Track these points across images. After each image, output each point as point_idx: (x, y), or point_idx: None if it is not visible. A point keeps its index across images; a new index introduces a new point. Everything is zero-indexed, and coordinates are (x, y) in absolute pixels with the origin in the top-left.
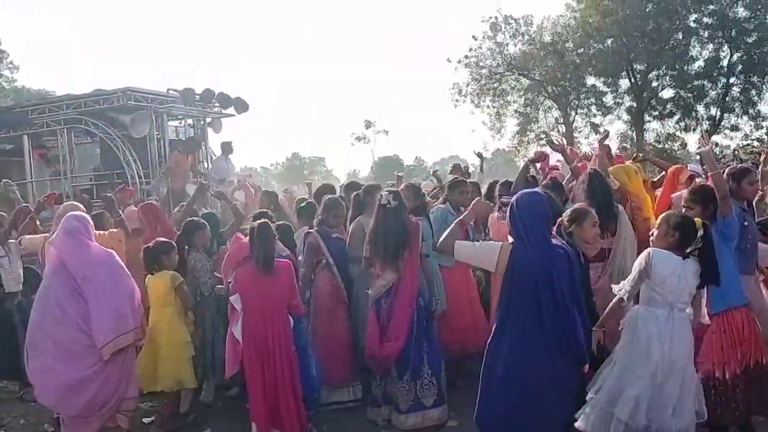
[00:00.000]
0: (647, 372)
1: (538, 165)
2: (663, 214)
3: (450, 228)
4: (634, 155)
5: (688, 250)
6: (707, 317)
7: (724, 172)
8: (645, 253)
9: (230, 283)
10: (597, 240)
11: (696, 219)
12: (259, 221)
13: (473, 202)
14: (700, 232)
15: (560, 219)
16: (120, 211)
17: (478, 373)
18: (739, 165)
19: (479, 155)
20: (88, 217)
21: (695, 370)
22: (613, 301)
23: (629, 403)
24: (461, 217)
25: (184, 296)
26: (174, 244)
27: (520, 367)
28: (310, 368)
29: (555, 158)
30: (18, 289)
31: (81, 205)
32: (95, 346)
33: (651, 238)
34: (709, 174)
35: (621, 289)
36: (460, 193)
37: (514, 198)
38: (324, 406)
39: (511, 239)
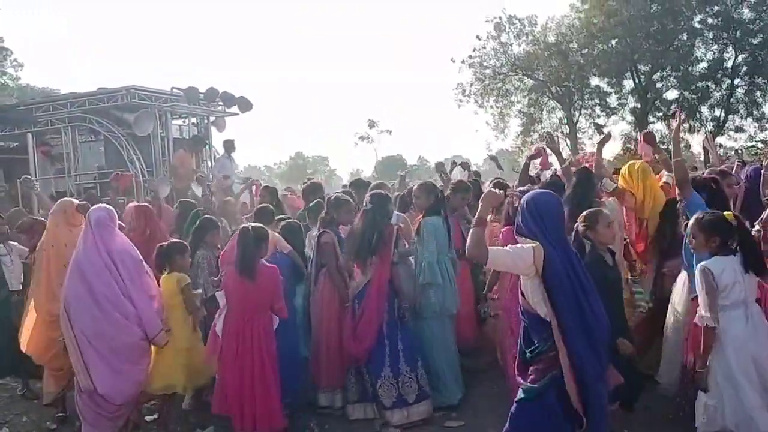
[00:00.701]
0: (746, 377)
1: (538, 161)
2: (692, 223)
3: (472, 232)
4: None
5: (734, 246)
6: None
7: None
8: (700, 272)
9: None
10: (614, 240)
11: (726, 213)
12: (241, 226)
13: (484, 194)
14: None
15: (575, 225)
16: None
17: (476, 372)
18: (720, 168)
19: (493, 158)
20: (112, 208)
21: None
22: (705, 334)
23: (742, 416)
24: (478, 215)
25: (189, 299)
26: (188, 245)
27: (585, 370)
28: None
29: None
30: (18, 288)
31: (75, 201)
32: (145, 340)
33: (691, 249)
34: (672, 160)
35: (704, 318)
36: (461, 198)
37: (526, 199)
38: (320, 409)
39: (529, 241)
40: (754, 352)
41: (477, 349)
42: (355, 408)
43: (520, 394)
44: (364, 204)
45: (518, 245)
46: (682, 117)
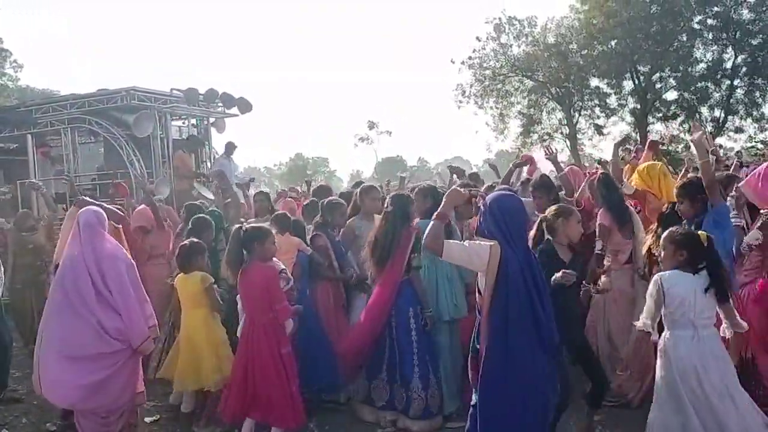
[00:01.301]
0: (688, 398)
1: (525, 168)
2: (665, 234)
3: (431, 225)
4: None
5: (700, 266)
6: (743, 323)
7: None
8: (654, 280)
9: None
10: (578, 237)
11: (700, 233)
12: (235, 226)
13: (447, 192)
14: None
15: (543, 215)
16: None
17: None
18: (726, 173)
19: (492, 166)
20: (102, 211)
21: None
22: (634, 338)
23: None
24: (439, 211)
25: (213, 298)
26: (205, 245)
27: (521, 368)
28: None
29: (548, 168)
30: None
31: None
32: (111, 348)
33: (659, 259)
34: (698, 162)
35: (642, 324)
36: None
37: (488, 200)
38: (323, 403)
39: (487, 240)
40: (706, 376)
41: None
42: (384, 414)
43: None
44: (386, 206)
45: (476, 242)
46: (698, 125)
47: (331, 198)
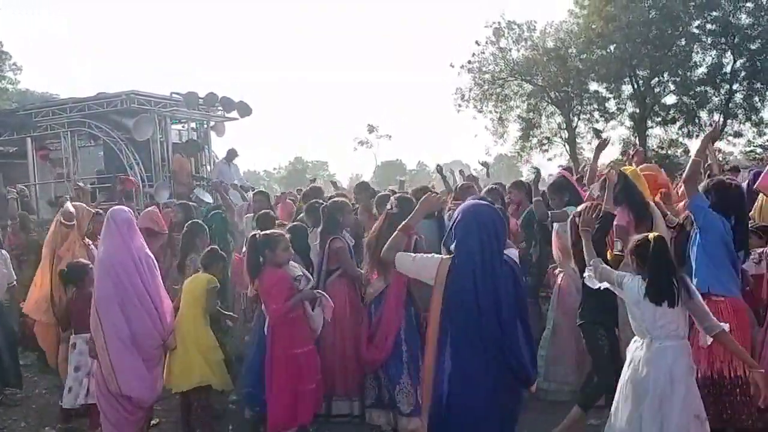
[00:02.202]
0: (632, 404)
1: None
2: (631, 239)
3: (393, 236)
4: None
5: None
6: (721, 324)
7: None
8: (623, 272)
9: None
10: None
11: (651, 234)
12: (252, 233)
13: (422, 199)
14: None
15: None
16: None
17: None
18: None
19: (484, 164)
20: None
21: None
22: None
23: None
24: (406, 222)
25: (211, 300)
26: (225, 256)
27: (461, 388)
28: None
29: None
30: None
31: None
32: (161, 341)
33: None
34: (692, 157)
35: (593, 264)
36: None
37: (460, 208)
38: (331, 417)
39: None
40: (645, 385)
41: None
42: (372, 413)
43: None
44: (389, 207)
45: (428, 254)
46: (718, 125)
47: (337, 199)
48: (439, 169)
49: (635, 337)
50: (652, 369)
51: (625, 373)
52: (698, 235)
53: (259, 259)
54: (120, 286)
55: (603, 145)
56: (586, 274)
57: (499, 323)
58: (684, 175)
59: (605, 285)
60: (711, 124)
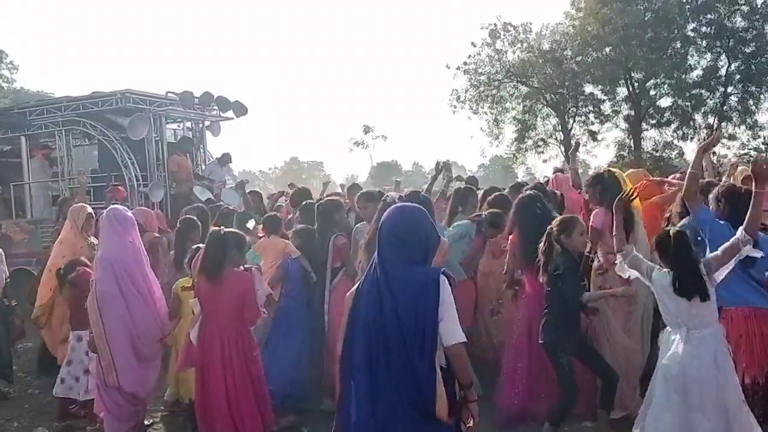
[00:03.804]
0: (672, 399)
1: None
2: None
3: None
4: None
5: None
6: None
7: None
8: (656, 266)
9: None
10: (585, 249)
11: (672, 229)
12: (212, 230)
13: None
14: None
15: (549, 228)
16: None
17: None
18: (707, 180)
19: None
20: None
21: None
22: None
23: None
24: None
25: None
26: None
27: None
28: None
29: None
30: None
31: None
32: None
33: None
34: (689, 170)
35: (619, 260)
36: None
37: (385, 213)
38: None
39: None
40: (682, 380)
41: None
42: None
43: None
44: (392, 201)
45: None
46: (714, 133)
47: (333, 199)
48: (442, 167)
49: (666, 330)
50: (697, 360)
51: (667, 367)
52: (707, 248)
53: (223, 258)
54: (121, 282)
55: (576, 148)
56: (617, 260)
57: (388, 353)
58: (683, 190)
59: (634, 274)
60: (706, 128)
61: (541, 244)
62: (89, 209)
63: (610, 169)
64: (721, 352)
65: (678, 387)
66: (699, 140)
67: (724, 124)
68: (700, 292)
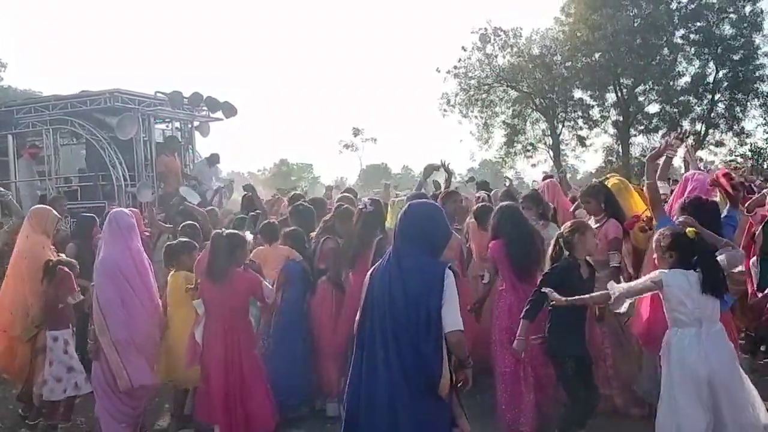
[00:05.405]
0: (694, 398)
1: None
2: (655, 238)
3: None
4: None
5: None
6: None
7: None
8: (655, 274)
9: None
10: (595, 251)
11: (688, 230)
12: (214, 232)
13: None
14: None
15: (558, 233)
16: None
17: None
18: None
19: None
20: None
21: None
22: (601, 292)
23: None
24: None
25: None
26: (196, 244)
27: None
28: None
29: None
30: None
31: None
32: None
33: (655, 261)
34: (646, 181)
35: (615, 290)
36: (453, 202)
37: (403, 209)
38: (330, 419)
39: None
40: (706, 374)
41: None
42: None
43: None
44: (363, 206)
45: None
46: (677, 142)
47: (344, 206)
48: (443, 164)
49: (675, 329)
50: (718, 353)
51: (691, 367)
52: None
53: (229, 260)
54: (122, 286)
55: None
56: (613, 292)
57: (407, 331)
58: (649, 200)
59: (629, 302)
60: (693, 133)
61: (550, 249)
62: (57, 214)
63: (605, 182)
64: (731, 345)
65: (707, 383)
66: (686, 146)
67: (711, 130)
68: (726, 287)
